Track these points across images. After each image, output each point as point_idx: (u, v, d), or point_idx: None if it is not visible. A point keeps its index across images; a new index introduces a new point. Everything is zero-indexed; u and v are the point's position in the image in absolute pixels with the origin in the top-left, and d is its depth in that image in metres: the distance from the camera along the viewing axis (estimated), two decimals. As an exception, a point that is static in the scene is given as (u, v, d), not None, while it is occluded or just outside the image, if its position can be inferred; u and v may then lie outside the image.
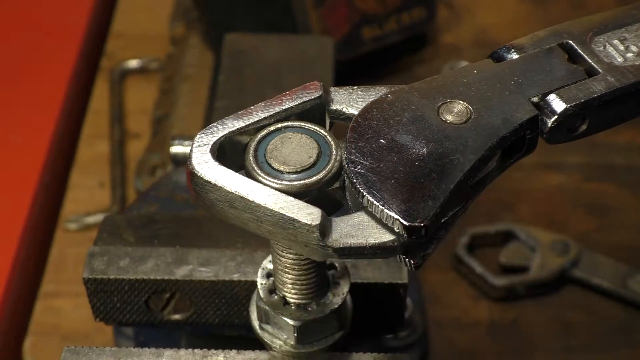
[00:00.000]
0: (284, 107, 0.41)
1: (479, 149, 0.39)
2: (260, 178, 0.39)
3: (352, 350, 0.48)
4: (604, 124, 0.43)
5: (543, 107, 0.41)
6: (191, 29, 0.94)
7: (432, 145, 0.39)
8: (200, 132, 0.40)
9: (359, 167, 0.38)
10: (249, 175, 0.39)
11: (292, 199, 0.38)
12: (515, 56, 0.44)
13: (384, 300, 0.52)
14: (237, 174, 0.38)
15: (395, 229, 0.37)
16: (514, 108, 0.41)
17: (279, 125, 0.41)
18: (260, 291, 0.46)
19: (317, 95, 0.41)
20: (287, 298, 0.45)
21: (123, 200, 0.84)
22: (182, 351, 0.48)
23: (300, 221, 0.37)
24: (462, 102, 0.41)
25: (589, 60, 0.42)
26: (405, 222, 0.36)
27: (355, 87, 0.42)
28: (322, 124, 0.41)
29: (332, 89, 0.42)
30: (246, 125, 0.40)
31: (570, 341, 0.73)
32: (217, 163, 0.38)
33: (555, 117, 0.41)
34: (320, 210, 0.37)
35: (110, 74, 0.95)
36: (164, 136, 0.84)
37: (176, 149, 0.63)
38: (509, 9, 1.00)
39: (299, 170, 0.39)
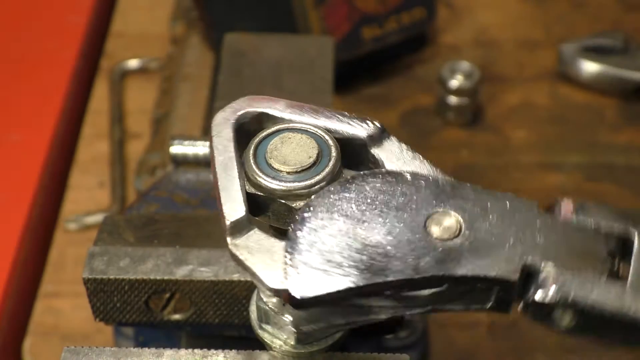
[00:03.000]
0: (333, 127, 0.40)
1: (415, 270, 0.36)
2: (260, 180, 0.39)
3: (352, 350, 0.48)
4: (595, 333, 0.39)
5: (530, 276, 0.37)
6: (191, 29, 0.94)
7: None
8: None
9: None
10: (249, 177, 0.39)
11: None
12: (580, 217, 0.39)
13: (384, 300, 0.52)
14: None
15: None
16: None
17: (279, 126, 0.41)
18: (260, 291, 0.46)
19: (369, 134, 0.40)
20: (287, 298, 0.45)
21: (123, 200, 0.84)
22: (182, 351, 0.48)
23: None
24: (455, 215, 0.38)
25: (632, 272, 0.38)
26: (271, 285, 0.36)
27: (406, 147, 0.41)
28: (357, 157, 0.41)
29: (389, 137, 0.41)
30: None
31: (570, 341, 0.73)
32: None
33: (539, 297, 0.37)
34: None
35: (110, 74, 0.95)
36: (164, 136, 0.84)
37: (176, 149, 0.62)
38: (509, 8, 1.00)
39: (299, 170, 0.39)
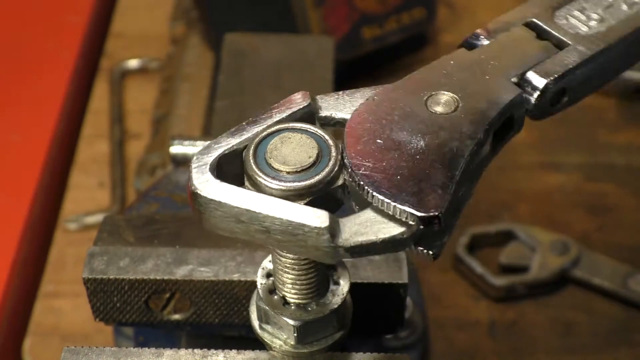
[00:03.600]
0: (275, 119, 0.41)
1: (474, 133, 0.40)
2: (260, 180, 0.39)
3: (352, 350, 0.48)
4: (584, 92, 0.44)
5: (524, 86, 0.42)
6: (191, 29, 0.94)
7: (429, 137, 0.40)
8: (197, 153, 0.40)
9: (362, 169, 0.38)
10: (249, 178, 0.39)
11: (298, 205, 0.38)
12: (485, 42, 0.45)
13: (384, 300, 0.52)
14: (239, 188, 0.38)
15: (411, 222, 0.37)
16: (497, 90, 0.42)
17: (279, 127, 0.41)
18: (260, 291, 0.46)
19: (305, 105, 0.42)
20: (286, 298, 0.45)
21: (123, 200, 0.84)
22: (182, 351, 0.48)
23: (309, 225, 0.37)
24: (447, 93, 0.42)
25: (556, 34, 0.44)
26: (419, 214, 0.37)
27: (341, 92, 0.42)
28: None
29: (318, 97, 0.42)
30: (240, 142, 0.41)
31: (570, 341, 0.73)
32: (219, 181, 0.39)
33: (538, 93, 0.42)
34: (327, 213, 0.37)
35: (110, 74, 0.95)
36: (164, 136, 0.84)
37: (176, 149, 0.62)
38: (509, 8, 1.00)
39: (299, 170, 0.39)
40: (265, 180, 0.39)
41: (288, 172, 0.39)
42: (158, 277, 0.52)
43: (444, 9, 0.99)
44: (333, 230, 0.37)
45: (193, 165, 0.39)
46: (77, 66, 0.94)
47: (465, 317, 0.74)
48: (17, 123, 0.88)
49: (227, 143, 0.40)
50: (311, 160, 0.39)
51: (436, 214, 0.37)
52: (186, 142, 0.63)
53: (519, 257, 0.77)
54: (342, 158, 0.40)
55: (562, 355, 0.72)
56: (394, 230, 0.37)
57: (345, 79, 0.88)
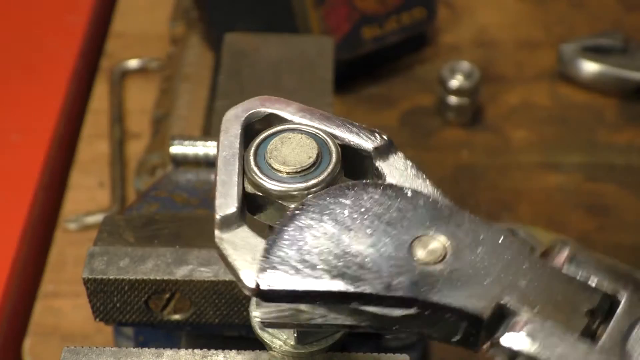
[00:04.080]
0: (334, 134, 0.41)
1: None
2: (260, 181, 0.39)
3: (352, 350, 0.48)
4: None
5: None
6: (191, 29, 0.94)
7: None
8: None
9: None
10: (249, 178, 0.39)
11: None
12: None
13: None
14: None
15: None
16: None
17: (280, 127, 0.41)
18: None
19: (375, 146, 0.40)
20: (287, 298, 0.45)
21: (123, 200, 0.84)
22: (182, 351, 0.48)
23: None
24: (442, 241, 0.38)
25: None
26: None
27: (411, 164, 0.40)
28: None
29: (397, 152, 0.40)
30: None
31: (570, 341, 0.73)
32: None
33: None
34: None
35: (110, 74, 0.95)
36: (164, 136, 0.84)
37: (176, 149, 0.62)
38: (509, 8, 1.00)
39: (299, 170, 0.39)
40: (263, 179, 0.39)
41: (287, 173, 0.39)
42: (158, 277, 0.52)
43: (444, 9, 0.99)
44: None
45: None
46: (77, 66, 0.94)
47: (465, 317, 0.74)
48: (17, 123, 0.88)
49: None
50: (311, 160, 0.39)
51: (260, 287, 0.36)
52: (186, 142, 0.63)
53: (519, 257, 0.77)
54: (342, 161, 0.39)
55: (562, 355, 0.72)
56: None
57: (345, 79, 0.89)
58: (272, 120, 0.41)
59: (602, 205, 0.82)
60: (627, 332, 0.36)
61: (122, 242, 0.54)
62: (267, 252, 0.36)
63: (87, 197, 0.84)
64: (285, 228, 0.37)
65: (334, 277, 0.36)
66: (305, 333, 0.45)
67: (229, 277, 0.52)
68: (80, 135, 0.90)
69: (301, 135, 0.40)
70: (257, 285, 0.36)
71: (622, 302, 0.37)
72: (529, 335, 0.35)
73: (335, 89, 0.68)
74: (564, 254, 0.38)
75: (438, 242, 0.37)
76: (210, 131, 0.73)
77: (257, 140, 0.40)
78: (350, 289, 0.36)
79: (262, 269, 0.36)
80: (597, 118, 0.90)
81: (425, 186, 0.39)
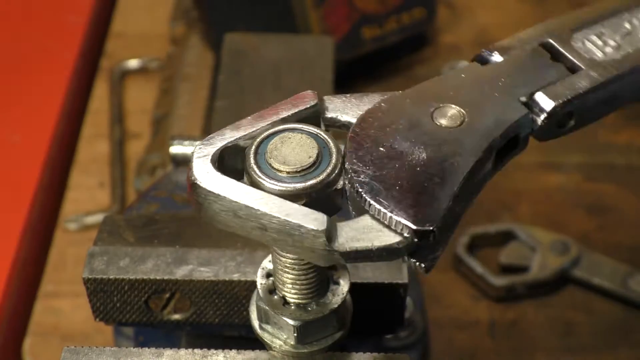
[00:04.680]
0: (281, 117, 0.41)
1: (477, 150, 0.40)
2: (260, 180, 0.39)
3: (352, 350, 0.48)
4: (591, 118, 0.44)
5: (532, 106, 0.42)
6: (191, 29, 0.94)
7: (431, 150, 0.39)
8: (199, 143, 0.40)
9: (362, 176, 0.38)
10: (249, 177, 0.39)
11: (296, 205, 0.38)
12: (499, 58, 0.44)
13: (384, 300, 0.52)
14: (239, 183, 0.38)
15: (405, 234, 0.37)
16: (505, 109, 0.41)
17: (281, 127, 0.41)
18: (260, 291, 0.46)
19: (312, 104, 0.41)
20: (286, 298, 0.45)
21: (123, 200, 0.84)
22: (182, 351, 0.48)
23: (306, 227, 0.37)
24: (454, 106, 0.41)
25: (570, 57, 0.44)
26: (414, 227, 0.37)
27: (349, 95, 0.42)
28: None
29: (325, 97, 0.42)
30: (244, 136, 0.41)
31: (570, 341, 0.73)
32: (219, 173, 0.39)
33: (545, 115, 0.42)
34: (325, 216, 0.37)
35: (110, 74, 0.95)
36: (164, 136, 0.84)
37: (176, 149, 0.63)
38: (509, 8, 1.00)
39: (299, 170, 0.39)
40: (264, 179, 0.39)
41: (288, 172, 0.39)
42: (158, 277, 0.52)
43: (444, 9, 0.99)
44: (330, 233, 0.37)
45: (195, 156, 0.39)
46: (77, 66, 0.94)
47: (465, 317, 0.74)
48: (17, 123, 0.88)
49: (231, 136, 0.40)
50: (311, 160, 0.39)
51: (430, 228, 0.37)
52: (186, 142, 0.63)
53: (519, 257, 0.77)
54: (343, 162, 0.39)
55: (562, 355, 0.72)
56: (390, 239, 0.37)
57: (345, 79, 0.88)
58: (239, 144, 0.41)
59: (602, 205, 0.82)
60: None
61: (122, 242, 0.54)
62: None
63: (87, 197, 0.84)
64: (377, 183, 0.38)
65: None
66: (306, 333, 0.45)
67: (229, 277, 0.52)
68: (80, 135, 0.90)
69: (301, 135, 0.40)
70: (431, 230, 0.37)
71: None
72: (555, 97, 0.42)
73: (335, 89, 0.68)
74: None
75: (451, 110, 0.41)
76: (210, 131, 0.73)
77: (257, 140, 0.40)
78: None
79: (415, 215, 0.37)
80: (597, 118, 0.90)
81: (370, 100, 0.42)
